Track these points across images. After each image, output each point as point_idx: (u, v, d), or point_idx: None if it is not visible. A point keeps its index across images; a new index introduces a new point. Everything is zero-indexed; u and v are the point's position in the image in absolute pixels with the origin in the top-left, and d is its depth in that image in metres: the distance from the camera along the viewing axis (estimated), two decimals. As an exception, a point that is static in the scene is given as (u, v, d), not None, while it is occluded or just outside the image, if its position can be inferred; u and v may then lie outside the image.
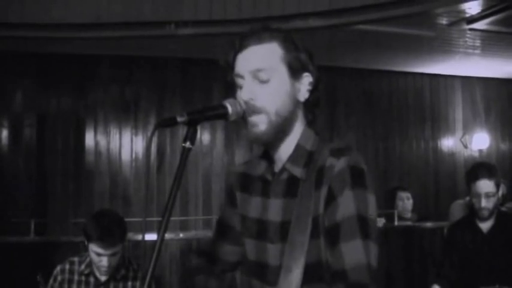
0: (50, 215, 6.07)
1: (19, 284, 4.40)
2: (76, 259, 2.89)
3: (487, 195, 3.23)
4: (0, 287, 4.44)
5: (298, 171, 1.46)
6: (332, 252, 1.38)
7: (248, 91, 1.45)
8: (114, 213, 2.95)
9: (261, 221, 1.52)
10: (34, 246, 4.82)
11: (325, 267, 1.41)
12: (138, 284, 2.85)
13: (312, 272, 1.40)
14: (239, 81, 1.48)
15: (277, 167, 1.53)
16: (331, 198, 1.39)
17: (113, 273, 2.82)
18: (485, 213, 3.26)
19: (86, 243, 2.76)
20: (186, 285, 1.67)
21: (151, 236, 1.37)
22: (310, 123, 1.54)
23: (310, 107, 1.53)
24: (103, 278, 2.83)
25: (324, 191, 1.40)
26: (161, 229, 1.28)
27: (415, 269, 5.55)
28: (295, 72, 1.48)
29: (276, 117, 1.44)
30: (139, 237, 4.71)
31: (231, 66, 1.51)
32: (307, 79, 1.50)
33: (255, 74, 1.45)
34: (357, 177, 1.39)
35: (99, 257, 2.73)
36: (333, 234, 1.38)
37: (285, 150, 1.50)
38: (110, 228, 2.71)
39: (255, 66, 1.46)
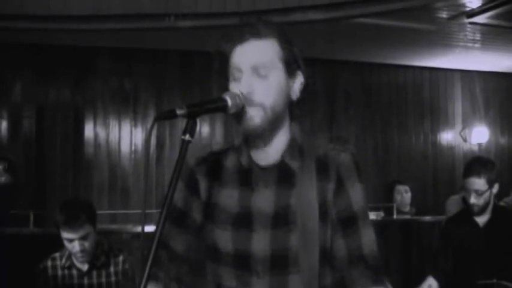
0: (49, 207, 6.08)
1: (17, 276, 4.40)
2: (57, 254, 2.93)
3: (477, 193, 3.23)
4: (-1, 278, 4.44)
5: (295, 164, 1.51)
6: (348, 239, 1.49)
7: (247, 84, 1.46)
8: (80, 199, 3.18)
9: (243, 211, 1.52)
10: (33, 238, 4.82)
11: (328, 251, 1.49)
12: (120, 267, 2.88)
13: (321, 256, 1.47)
14: (236, 74, 1.49)
15: (266, 159, 1.54)
16: (341, 187, 1.50)
17: (93, 261, 2.85)
18: (475, 209, 3.28)
19: (60, 234, 2.80)
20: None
21: (150, 228, 1.36)
22: (295, 118, 1.58)
23: (298, 104, 1.56)
24: (84, 268, 2.86)
25: (332, 178, 1.49)
26: (160, 221, 1.28)
27: (413, 263, 5.56)
28: (290, 70, 1.51)
29: (271, 112, 1.46)
30: (139, 229, 4.71)
31: (226, 57, 1.51)
32: (300, 78, 1.53)
33: (255, 69, 1.47)
34: (360, 170, 1.52)
35: (71, 243, 2.77)
36: (350, 223, 1.49)
37: (277, 143, 1.53)
38: (74, 211, 2.76)
39: (255, 61, 1.47)
